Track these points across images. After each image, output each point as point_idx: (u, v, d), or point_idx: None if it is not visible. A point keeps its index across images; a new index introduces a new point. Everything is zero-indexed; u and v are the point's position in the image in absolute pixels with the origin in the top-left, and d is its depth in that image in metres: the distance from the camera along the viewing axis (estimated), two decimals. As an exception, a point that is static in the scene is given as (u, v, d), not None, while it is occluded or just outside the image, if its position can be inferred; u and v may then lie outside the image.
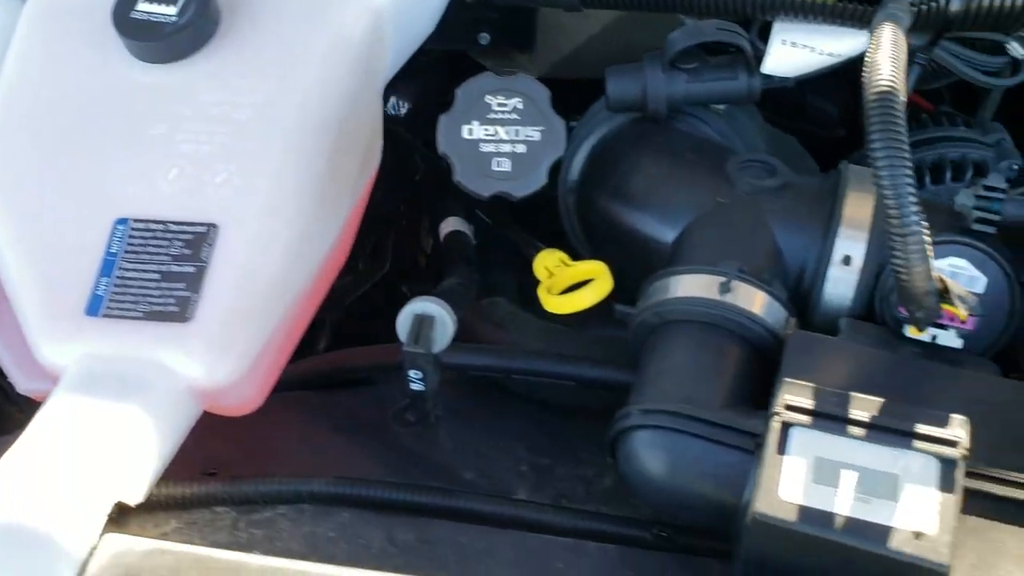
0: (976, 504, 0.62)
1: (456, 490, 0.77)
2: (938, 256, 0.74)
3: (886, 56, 0.66)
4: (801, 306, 0.77)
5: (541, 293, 0.80)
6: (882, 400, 0.63)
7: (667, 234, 0.82)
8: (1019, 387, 0.68)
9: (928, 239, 0.62)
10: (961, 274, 0.74)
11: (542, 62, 1.10)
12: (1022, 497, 0.61)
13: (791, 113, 1.25)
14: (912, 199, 0.61)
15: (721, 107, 0.93)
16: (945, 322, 0.69)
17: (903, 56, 0.67)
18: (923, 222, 0.62)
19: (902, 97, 0.64)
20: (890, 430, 0.62)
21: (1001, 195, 0.73)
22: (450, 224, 1.00)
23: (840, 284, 0.76)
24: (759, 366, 0.72)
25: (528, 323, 0.99)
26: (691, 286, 0.74)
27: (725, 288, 0.73)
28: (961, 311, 0.65)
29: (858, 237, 0.76)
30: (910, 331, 0.70)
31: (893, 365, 0.69)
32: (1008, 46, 0.83)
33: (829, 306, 0.76)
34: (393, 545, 0.75)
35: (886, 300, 0.73)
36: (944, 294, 0.65)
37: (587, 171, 0.93)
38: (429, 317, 0.75)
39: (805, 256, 0.77)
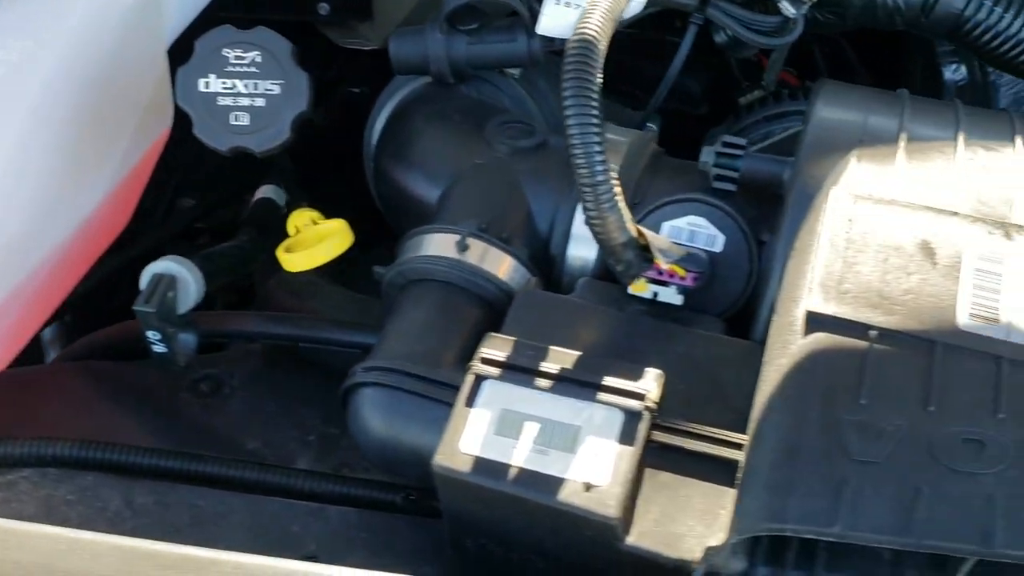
0: (671, 459, 0.61)
1: (199, 454, 0.76)
2: (678, 215, 0.74)
3: (599, 8, 0.65)
4: (551, 267, 0.76)
5: (279, 251, 0.79)
6: (577, 353, 0.62)
7: (433, 195, 0.81)
8: (731, 344, 0.67)
9: (617, 189, 0.61)
10: (700, 232, 0.72)
11: (382, 31, 1.09)
12: (716, 453, 0.60)
13: (652, 89, 1.25)
14: (598, 148, 0.60)
15: (515, 72, 0.92)
16: (665, 279, 0.68)
17: (618, 10, 0.66)
18: (611, 172, 0.61)
19: (601, 46, 0.63)
20: (579, 383, 0.61)
21: (740, 152, 0.72)
22: (261, 191, 0.99)
23: (583, 245, 0.75)
24: (496, 325, 0.71)
25: (327, 292, 0.98)
26: (432, 245, 0.73)
27: (462, 246, 0.72)
28: (662, 263, 0.64)
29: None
30: (633, 288, 0.69)
31: (615, 322, 0.68)
32: (780, 4, 0.82)
33: (574, 266, 0.75)
34: (130, 508, 0.74)
35: (621, 258, 0.72)
36: (646, 247, 0.64)
37: (382, 137, 0.91)
38: (169, 277, 0.74)
39: (554, 216, 0.76)
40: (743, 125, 1.08)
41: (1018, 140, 0.67)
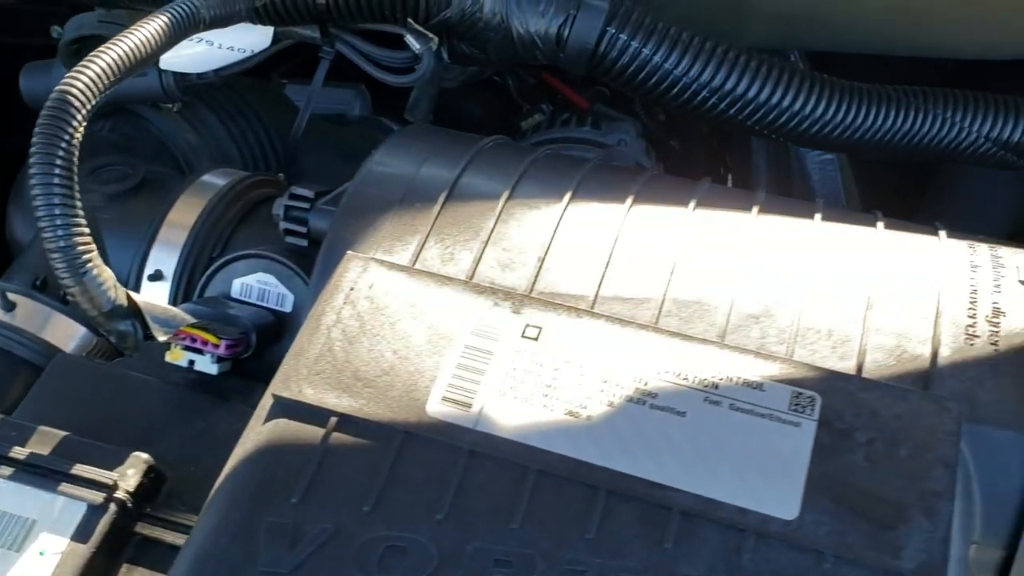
0: (154, 554, 0.55)
1: None
2: (248, 271, 0.68)
3: (96, 63, 0.58)
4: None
5: None
6: (61, 435, 0.57)
7: (27, 239, 0.75)
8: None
9: (92, 254, 0.55)
10: (270, 291, 0.67)
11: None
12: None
13: (444, 118, 1.20)
14: (62, 211, 0.54)
15: (173, 105, 0.86)
16: (199, 346, 0.62)
17: (131, 58, 0.60)
18: (81, 234, 0.55)
19: (82, 99, 0.57)
20: (49, 470, 0.55)
21: (306, 205, 0.66)
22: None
23: (152, 298, 0.69)
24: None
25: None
26: (-18, 303, 0.68)
27: (6, 305, 0.66)
28: (160, 335, 0.58)
29: (173, 248, 0.69)
30: (170, 356, 0.63)
31: (144, 395, 0.62)
32: (406, 39, 0.76)
33: (147, 325, 0.70)
34: None
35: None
36: (140, 317, 0.58)
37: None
38: None
39: (130, 267, 0.70)
40: (521, 151, 1.04)
41: (567, 195, 0.61)
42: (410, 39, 0.76)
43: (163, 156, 0.84)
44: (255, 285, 0.67)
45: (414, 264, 0.58)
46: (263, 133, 0.92)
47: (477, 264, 0.58)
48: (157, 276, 0.68)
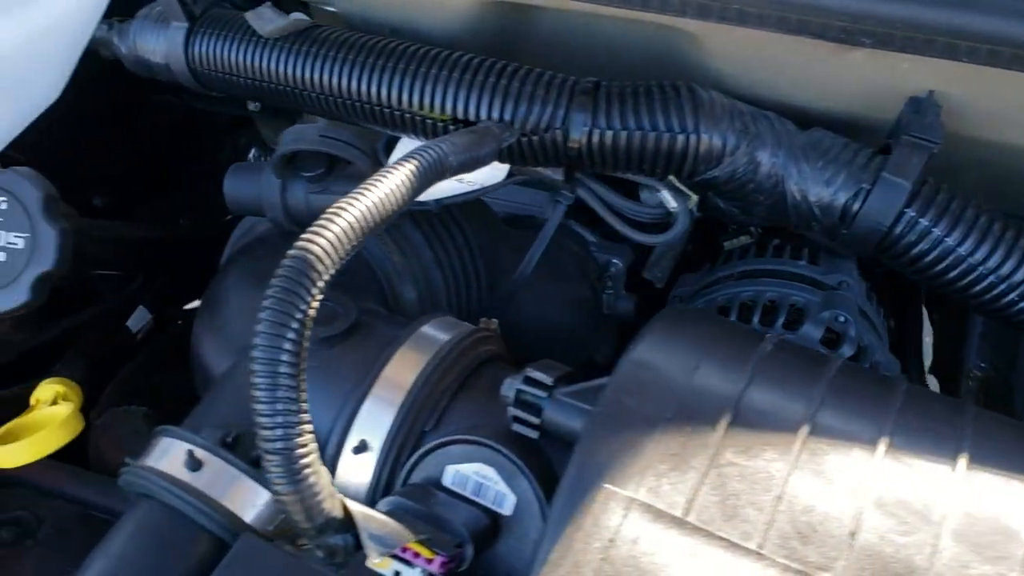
0: None
1: None
2: (465, 459, 0.58)
3: (347, 211, 0.50)
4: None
5: (-11, 438, 0.65)
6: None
7: (220, 368, 0.68)
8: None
9: (312, 453, 0.46)
10: (488, 487, 0.57)
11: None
12: None
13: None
14: (287, 403, 0.45)
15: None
16: (408, 557, 0.53)
17: (378, 211, 0.51)
18: (301, 435, 0.46)
19: (322, 265, 0.48)
20: None
21: (543, 394, 0.56)
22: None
23: (355, 473, 0.60)
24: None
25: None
26: (165, 454, 0.60)
27: (192, 464, 0.58)
28: (374, 555, 0.49)
29: (382, 415, 0.60)
30: (374, 564, 0.53)
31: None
32: (660, 195, 0.66)
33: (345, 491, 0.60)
34: None
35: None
36: (352, 528, 0.49)
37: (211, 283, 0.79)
38: None
39: (332, 426, 0.61)
40: (715, 278, 0.92)
41: (881, 446, 0.50)
42: (666, 195, 0.66)
43: (367, 280, 0.76)
44: (472, 477, 0.57)
45: (688, 512, 0.47)
46: (468, 255, 0.83)
47: (769, 528, 0.46)
48: (362, 448, 0.59)
